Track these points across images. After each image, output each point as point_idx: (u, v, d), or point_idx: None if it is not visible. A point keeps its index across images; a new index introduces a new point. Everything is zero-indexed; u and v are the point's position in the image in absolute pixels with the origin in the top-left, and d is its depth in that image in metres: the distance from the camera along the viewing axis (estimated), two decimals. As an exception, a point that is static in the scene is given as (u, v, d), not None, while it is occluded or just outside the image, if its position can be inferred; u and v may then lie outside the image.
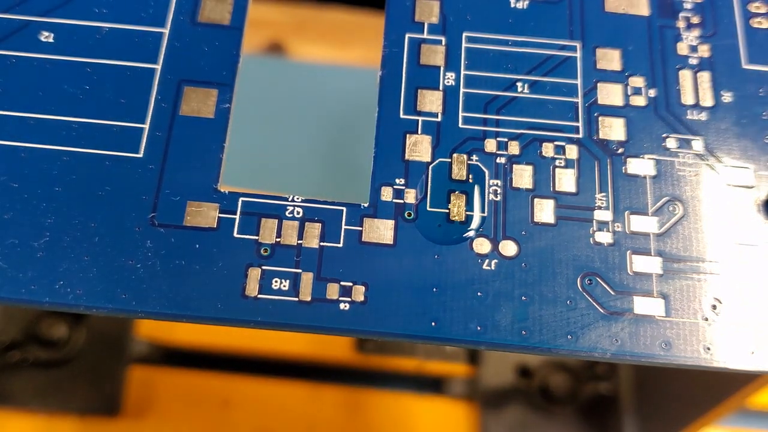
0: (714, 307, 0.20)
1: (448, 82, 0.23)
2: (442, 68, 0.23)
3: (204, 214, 0.20)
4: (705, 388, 0.31)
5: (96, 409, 0.39)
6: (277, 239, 0.20)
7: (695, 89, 0.23)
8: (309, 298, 0.20)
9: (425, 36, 0.23)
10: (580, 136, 0.22)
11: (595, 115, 0.22)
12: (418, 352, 0.41)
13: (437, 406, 0.41)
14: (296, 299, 0.20)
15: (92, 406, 0.39)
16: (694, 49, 0.23)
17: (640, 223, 0.21)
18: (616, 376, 0.40)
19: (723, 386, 0.29)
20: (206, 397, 0.40)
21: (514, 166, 0.21)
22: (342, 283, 0.20)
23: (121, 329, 0.40)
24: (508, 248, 0.20)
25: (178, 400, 0.40)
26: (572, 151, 0.22)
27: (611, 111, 0.22)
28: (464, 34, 0.23)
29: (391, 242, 0.20)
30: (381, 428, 0.40)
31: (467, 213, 0.21)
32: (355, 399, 0.40)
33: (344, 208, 0.21)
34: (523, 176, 0.21)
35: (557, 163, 0.22)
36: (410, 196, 0.21)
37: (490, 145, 0.22)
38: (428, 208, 0.21)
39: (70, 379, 0.39)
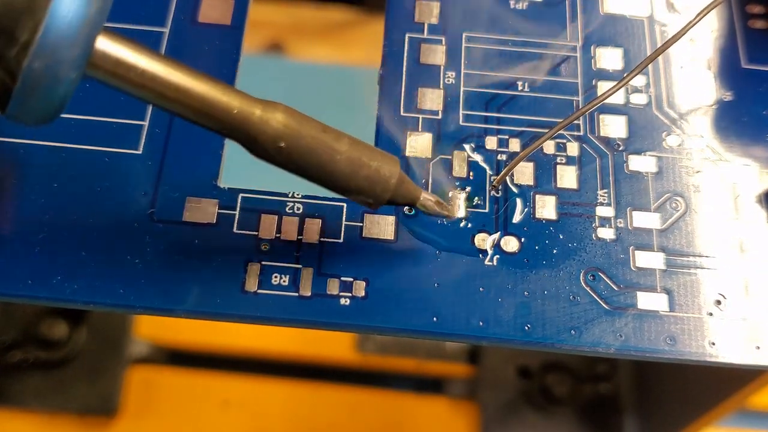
0: (718, 302, 0.20)
1: (448, 80, 0.22)
2: (442, 67, 0.23)
3: (203, 210, 0.20)
4: (705, 388, 0.31)
5: (96, 409, 0.39)
6: (277, 235, 0.20)
7: (695, 88, 0.23)
8: (309, 293, 0.19)
9: (425, 36, 0.23)
10: (581, 133, 0.22)
11: (596, 113, 0.22)
12: (419, 352, 0.41)
13: (437, 406, 0.40)
14: (296, 294, 0.19)
15: (92, 406, 0.39)
16: (693, 48, 0.23)
17: (642, 219, 0.21)
18: (616, 376, 0.40)
19: (723, 386, 0.29)
20: (206, 397, 0.40)
21: (515, 162, 0.21)
22: (342, 279, 0.20)
23: (121, 329, 0.40)
24: (510, 244, 0.20)
25: (178, 400, 0.40)
26: (573, 148, 0.22)
27: (612, 109, 0.22)
28: (464, 34, 0.23)
29: (392, 238, 0.20)
30: (381, 428, 0.40)
31: (468, 209, 0.21)
32: (355, 399, 0.40)
33: (344, 204, 0.21)
34: (524, 173, 0.21)
35: (558, 160, 0.22)
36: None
37: (491, 143, 0.22)
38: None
39: (70, 379, 0.39)
